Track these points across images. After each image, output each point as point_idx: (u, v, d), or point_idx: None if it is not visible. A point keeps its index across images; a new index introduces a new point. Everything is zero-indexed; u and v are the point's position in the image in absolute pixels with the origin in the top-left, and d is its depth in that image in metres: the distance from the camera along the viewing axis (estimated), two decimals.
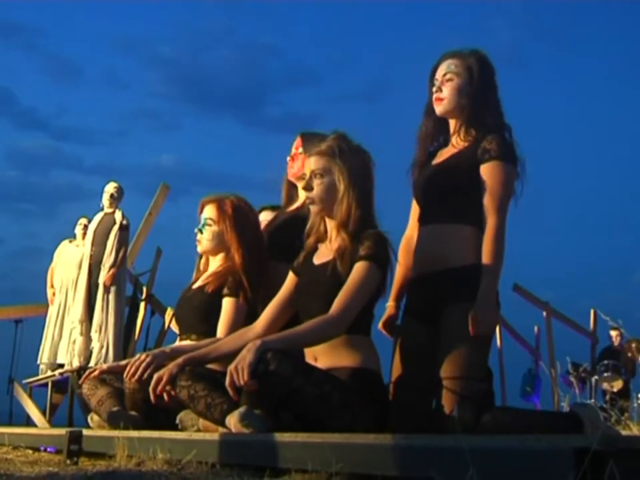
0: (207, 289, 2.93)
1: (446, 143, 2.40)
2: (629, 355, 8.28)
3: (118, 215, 6.55)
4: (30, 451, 3.11)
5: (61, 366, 6.41)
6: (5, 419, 6.71)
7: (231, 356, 2.23)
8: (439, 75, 2.34)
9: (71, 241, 7.10)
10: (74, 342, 6.30)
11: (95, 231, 6.55)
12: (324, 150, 2.33)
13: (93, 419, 3.04)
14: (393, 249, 2.28)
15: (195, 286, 3.04)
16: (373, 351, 2.33)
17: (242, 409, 2.13)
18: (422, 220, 2.37)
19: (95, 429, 2.98)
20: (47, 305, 6.98)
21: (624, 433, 3.27)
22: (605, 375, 8.15)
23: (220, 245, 2.98)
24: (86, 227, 6.95)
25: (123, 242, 6.46)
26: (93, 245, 6.51)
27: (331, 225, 2.37)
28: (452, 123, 2.36)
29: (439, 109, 2.33)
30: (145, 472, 1.96)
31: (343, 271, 2.24)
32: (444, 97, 2.31)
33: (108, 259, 6.38)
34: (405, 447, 1.51)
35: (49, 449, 3.02)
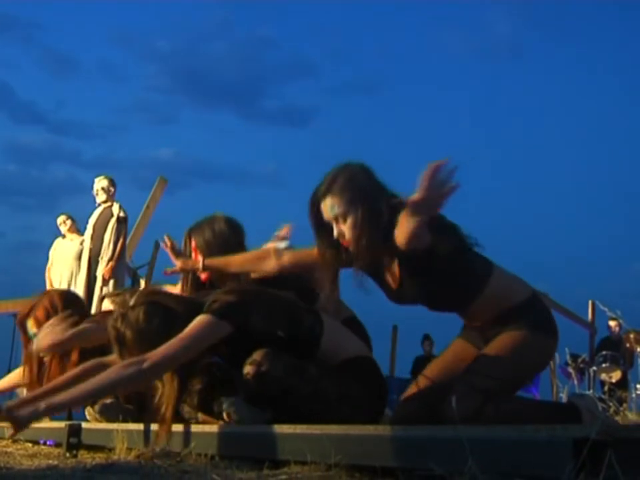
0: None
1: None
2: (628, 345, 8.27)
3: (115, 208, 6.54)
4: (29, 444, 3.11)
5: None
6: None
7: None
8: (328, 216, 2.24)
9: (63, 237, 7.08)
10: None
11: (94, 225, 6.55)
12: None
13: (89, 412, 3.04)
14: None
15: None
16: (348, 338, 2.34)
17: (233, 397, 2.15)
18: (448, 311, 2.34)
19: (92, 421, 2.99)
20: None
21: (622, 423, 3.28)
22: (604, 365, 8.16)
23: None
24: (65, 222, 6.93)
25: (120, 234, 6.45)
26: (92, 238, 6.50)
27: None
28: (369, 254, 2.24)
29: (352, 248, 2.23)
30: (144, 464, 1.97)
31: None
32: (349, 240, 2.21)
33: (106, 252, 6.38)
34: (403, 438, 1.51)
35: (48, 442, 3.03)
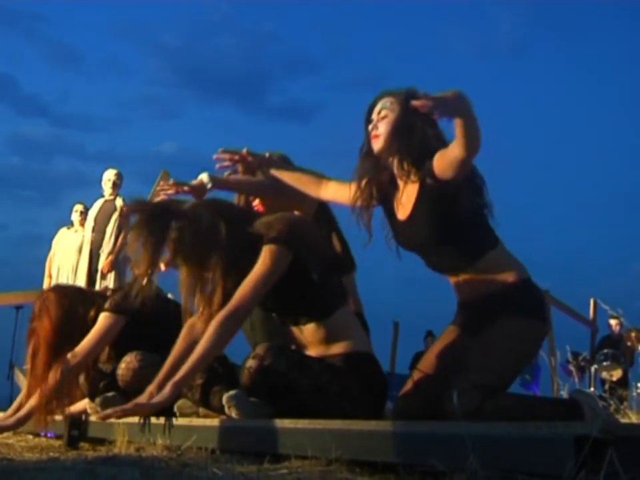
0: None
1: (393, 184, 2.31)
2: (629, 344, 8.28)
3: (119, 202, 6.55)
4: (30, 436, 3.12)
5: None
6: (5, 404, 6.72)
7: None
8: (374, 114, 2.29)
9: (69, 228, 7.09)
10: None
11: (95, 218, 6.55)
12: None
13: (90, 405, 3.05)
14: None
15: None
16: (357, 327, 2.33)
17: (234, 391, 2.15)
18: (441, 269, 2.30)
19: (93, 414, 2.99)
20: None
21: (623, 421, 3.28)
22: (605, 364, 8.15)
23: None
24: (82, 213, 6.94)
25: (122, 228, 6.45)
26: (93, 231, 6.51)
27: None
28: (392, 161, 2.27)
29: (376, 146, 2.26)
30: (144, 457, 1.97)
31: None
32: (380, 134, 2.25)
33: (107, 246, 6.39)
34: (404, 434, 1.51)
35: (49, 435, 3.03)
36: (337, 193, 2.46)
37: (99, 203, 6.63)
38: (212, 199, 2.50)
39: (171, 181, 2.56)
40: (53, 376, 2.72)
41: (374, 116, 2.30)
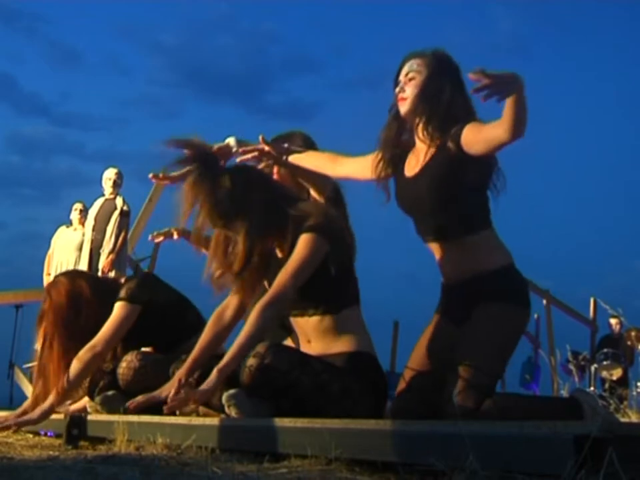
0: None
1: (410, 144, 2.32)
2: (629, 343, 8.28)
3: (119, 201, 6.55)
4: (30, 435, 3.11)
5: None
6: (5, 403, 6.74)
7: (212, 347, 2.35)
8: (402, 75, 2.29)
9: (67, 226, 7.10)
10: None
11: (95, 217, 6.56)
12: None
13: (90, 403, 3.05)
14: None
15: None
16: (363, 328, 2.33)
17: (235, 390, 2.15)
18: (431, 235, 2.28)
19: (93, 412, 2.99)
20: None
21: (623, 420, 3.28)
22: (605, 363, 8.16)
23: None
24: (81, 211, 6.95)
25: (122, 228, 6.47)
26: (93, 230, 6.51)
27: None
28: (416, 122, 2.27)
29: (402, 108, 2.26)
30: (144, 456, 1.97)
31: None
32: (407, 96, 2.25)
33: (107, 245, 6.39)
34: (404, 433, 1.51)
35: (49, 434, 3.03)
36: (353, 167, 2.46)
37: (99, 202, 6.64)
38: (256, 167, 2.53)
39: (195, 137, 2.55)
40: (71, 368, 2.73)
41: (401, 78, 2.29)
